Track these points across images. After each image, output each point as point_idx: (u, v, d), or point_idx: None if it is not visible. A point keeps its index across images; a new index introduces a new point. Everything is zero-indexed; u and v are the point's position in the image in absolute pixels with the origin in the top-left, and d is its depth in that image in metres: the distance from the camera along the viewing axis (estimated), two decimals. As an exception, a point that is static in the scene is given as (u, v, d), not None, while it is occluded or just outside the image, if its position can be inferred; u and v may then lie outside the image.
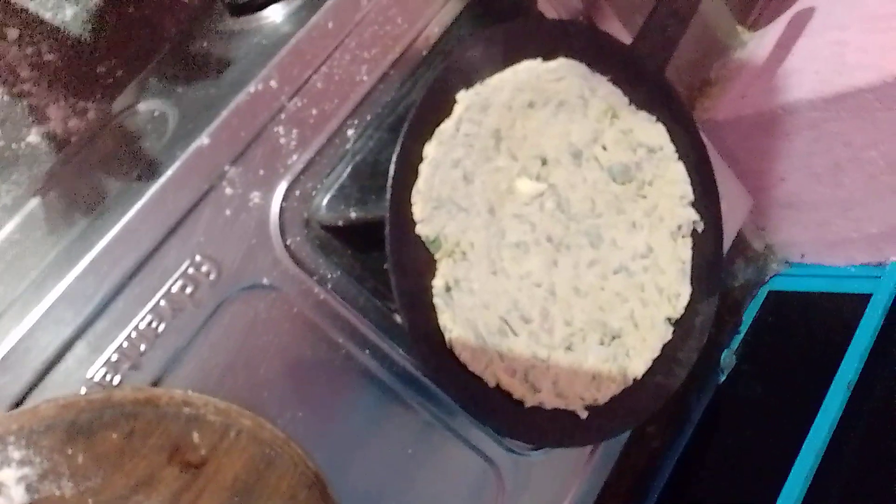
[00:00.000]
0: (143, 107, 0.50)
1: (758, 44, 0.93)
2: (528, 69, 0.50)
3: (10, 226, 0.49)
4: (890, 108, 0.74)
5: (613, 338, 0.54)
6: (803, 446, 0.76)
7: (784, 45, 0.88)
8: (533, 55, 0.51)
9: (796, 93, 0.81)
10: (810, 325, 0.91)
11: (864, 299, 0.85)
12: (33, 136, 0.56)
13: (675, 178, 0.56)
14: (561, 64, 0.52)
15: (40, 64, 0.56)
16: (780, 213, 0.92)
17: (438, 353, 0.47)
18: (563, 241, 0.52)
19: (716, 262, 0.58)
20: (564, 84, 0.52)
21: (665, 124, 0.56)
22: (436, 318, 0.47)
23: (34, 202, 0.49)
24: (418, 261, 0.47)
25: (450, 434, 0.53)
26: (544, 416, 0.51)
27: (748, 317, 0.95)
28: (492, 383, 0.49)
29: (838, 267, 0.92)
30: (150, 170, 0.44)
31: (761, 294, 0.96)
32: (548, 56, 0.51)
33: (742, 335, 0.94)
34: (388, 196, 0.45)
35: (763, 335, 0.93)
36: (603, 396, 0.52)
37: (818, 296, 0.92)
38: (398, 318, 0.51)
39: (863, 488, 0.71)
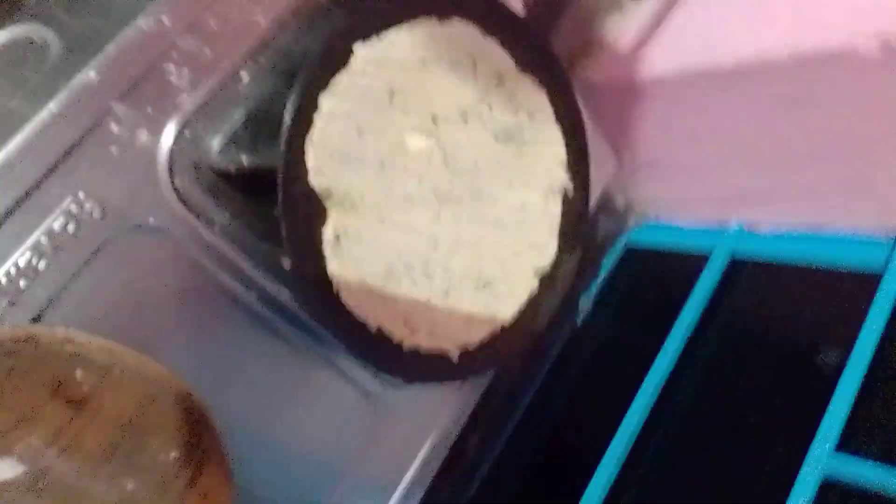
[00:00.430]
0: (19, 30, 0.47)
1: (636, 10, 0.99)
2: (424, 27, 0.52)
3: None
4: (745, 88, 0.82)
5: (486, 285, 0.58)
6: (643, 382, 0.85)
7: (658, 14, 0.94)
8: (428, 13, 0.52)
9: (664, 63, 0.87)
10: (660, 278, 1.00)
11: (705, 257, 0.95)
12: None
13: (551, 141, 0.61)
14: (454, 24, 0.54)
15: None
16: (641, 171, 1.00)
17: (325, 298, 0.49)
18: (447, 195, 0.55)
19: (581, 221, 0.64)
20: (456, 45, 0.54)
21: (546, 88, 0.60)
22: (324, 265, 0.49)
23: None
24: (309, 209, 0.48)
25: (331, 369, 0.56)
26: (420, 357, 0.55)
27: (605, 266, 1.04)
28: (373, 327, 0.52)
29: (687, 227, 1.02)
30: (30, 101, 0.42)
31: (618, 246, 1.05)
32: (442, 15, 0.53)
33: (599, 283, 1.02)
34: (281, 144, 0.45)
35: (618, 285, 1.02)
36: (474, 339, 0.57)
37: (668, 252, 1.02)
38: (286, 264, 0.52)
39: (693, 424, 0.81)
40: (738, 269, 0.93)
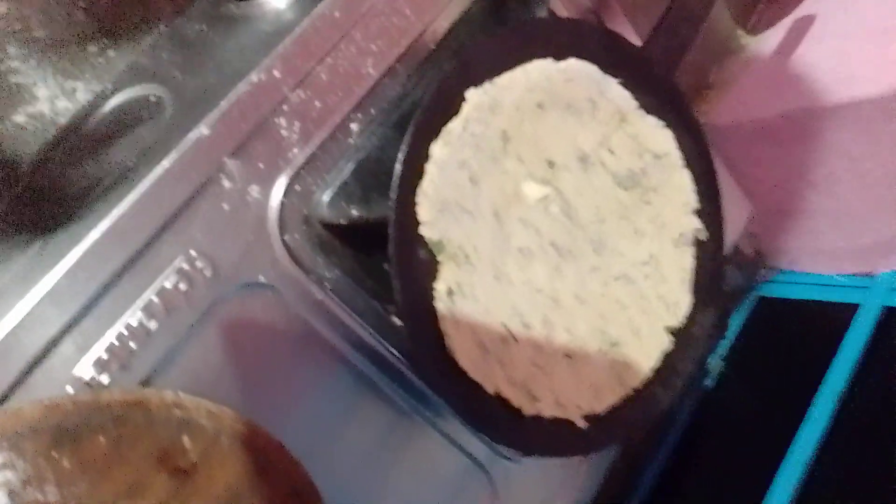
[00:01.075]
0: (138, 91, 0.48)
1: (756, 48, 0.93)
2: (539, 69, 0.49)
3: (-10, 214, 0.47)
4: (889, 120, 0.74)
5: (613, 345, 0.53)
6: (789, 455, 0.76)
7: (784, 52, 0.87)
8: (544, 55, 0.49)
9: (796, 101, 0.81)
10: (798, 332, 0.91)
11: (852, 309, 0.85)
12: (20, 117, 0.53)
13: (680, 186, 0.56)
14: (571, 65, 0.50)
15: (29, 40, 0.53)
16: (773, 219, 0.92)
17: (437, 359, 0.46)
18: (567, 246, 0.51)
19: (716, 272, 0.57)
20: (574, 86, 0.50)
21: (672, 130, 0.55)
22: (436, 323, 0.45)
23: (20, 188, 0.47)
24: (421, 263, 0.45)
25: (443, 438, 0.52)
26: (542, 425, 0.50)
27: (736, 322, 0.95)
28: (491, 391, 0.47)
29: (827, 276, 0.92)
30: (146, 159, 0.42)
31: (750, 300, 0.96)
32: (558, 56, 0.50)
33: (730, 340, 0.94)
34: (392, 196, 0.43)
35: (751, 341, 0.93)
36: (602, 406, 0.51)
37: (806, 304, 0.92)
38: (396, 321, 0.49)
39: (848, 499, 0.71)
40: (892, 320, 0.82)
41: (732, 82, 0.91)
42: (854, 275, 0.89)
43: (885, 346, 0.81)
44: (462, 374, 0.46)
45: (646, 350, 0.54)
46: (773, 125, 0.82)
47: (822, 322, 0.90)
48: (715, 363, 0.91)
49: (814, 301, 0.92)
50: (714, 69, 0.92)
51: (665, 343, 0.55)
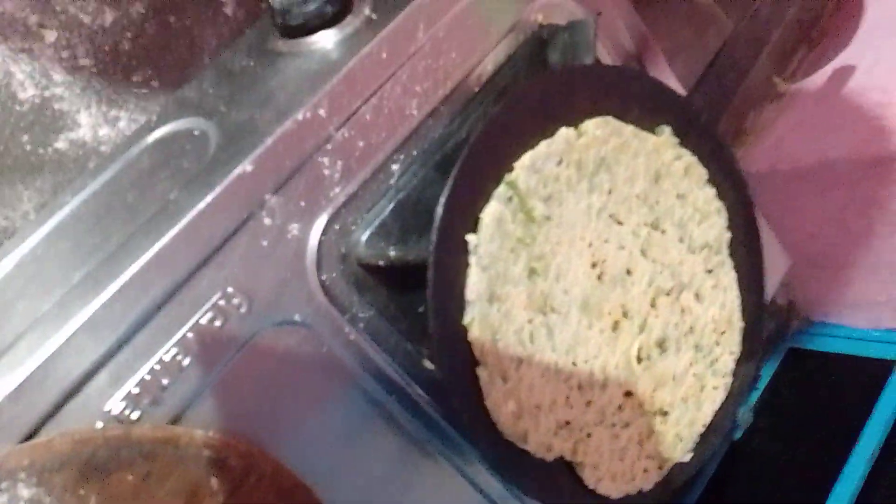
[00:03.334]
0: (182, 124, 0.48)
1: (794, 97, 0.92)
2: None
3: (34, 239, 0.47)
4: (931, 175, 0.73)
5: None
6: (825, 511, 0.74)
7: (822, 101, 0.86)
8: (584, 102, 0.49)
9: (835, 150, 0.80)
10: (831, 386, 0.89)
11: (888, 364, 0.83)
12: (61, 143, 0.54)
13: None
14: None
15: (75, 68, 0.54)
16: (807, 270, 0.90)
17: (472, 406, 0.44)
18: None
19: (756, 325, 0.56)
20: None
21: (714, 183, 0.54)
22: (473, 372, 0.44)
23: (60, 214, 0.47)
24: (458, 309, 0.44)
25: (474, 490, 0.51)
26: (575, 484, 0.48)
27: (767, 373, 0.93)
28: (528, 448, 0.46)
29: (862, 329, 0.90)
30: (188, 192, 0.42)
31: (781, 351, 0.94)
32: (598, 101, 0.49)
33: (760, 391, 0.92)
34: (433, 238, 0.42)
35: (781, 393, 0.91)
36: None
37: (840, 357, 0.90)
38: (428, 364, 0.49)
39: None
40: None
41: (769, 128, 0.90)
42: (890, 329, 0.87)
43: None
44: (496, 425, 0.45)
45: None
46: (811, 172, 0.81)
47: (855, 377, 0.87)
48: (745, 414, 0.89)
49: (847, 355, 0.89)
50: (751, 115, 0.92)
51: (715, 402, 0.53)
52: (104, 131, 0.56)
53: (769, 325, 0.93)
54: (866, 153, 0.76)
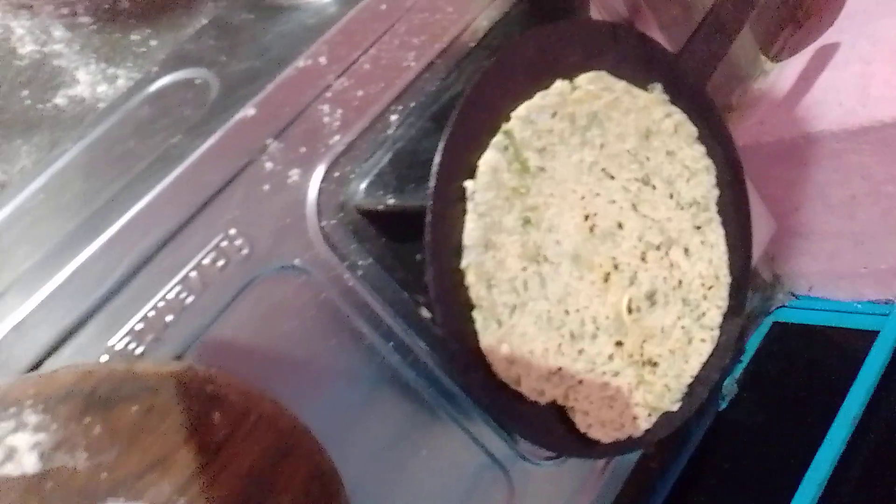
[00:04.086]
0: (183, 74, 0.49)
1: (779, 74, 0.94)
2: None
3: (32, 188, 0.47)
4: (917, 146, 0.75)
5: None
6: (803, 480, 0.75)
7: (807, 77, 0.88)
8: (581, 54, 0.50)
9: (818, 123, 0.81)
10: (814, 358, 0.91)
11: (870, 336, 0.84)
12: (60, 99, 0.54)
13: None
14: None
15: (74, 25, 0.54)
16: (791, 243, 0.92)
17: (467, 348, 0.45)
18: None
19: (743, 282, 0.57)
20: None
21: (703, 142, 0.55)
22: (471, 318, 0.45)
23: (59, 164, 0.47)
24: (454, 256, 0.45)
25: (464, 434, 0.52)
26: (567, 428, 0.49)
27: (751, 346, 0.95)
28: (523, 390, 0.47)
29: (845, 302, 0.92)
30: (190, 138, 0.42)
31: (766, 324, 0.96)
32: (593, 55, 0.50)
33: (745, 364, 0.93)
34: (431, 183, 0.43)
35: (766, 365, 0.93)
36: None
37: (823, 329, 0.92)
38: (424, 313, 0.50)
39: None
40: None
41: (755, 105, 0.91)
42: (873, 301, 0.89)
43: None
44: (493, 370, 0.46)
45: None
46: (795, 146, 0.83)
47: (838, 349, 0.89)
48: (730, 385, 0.91)
49: (830, 327, 0.91)
50: (738, 92, 0.93)
51: (698, 360, 0.54)
52: (102, 88, 0.56)
53: (754, 298, 0.94)
54: (849, 124, 0.77)
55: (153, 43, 0.58)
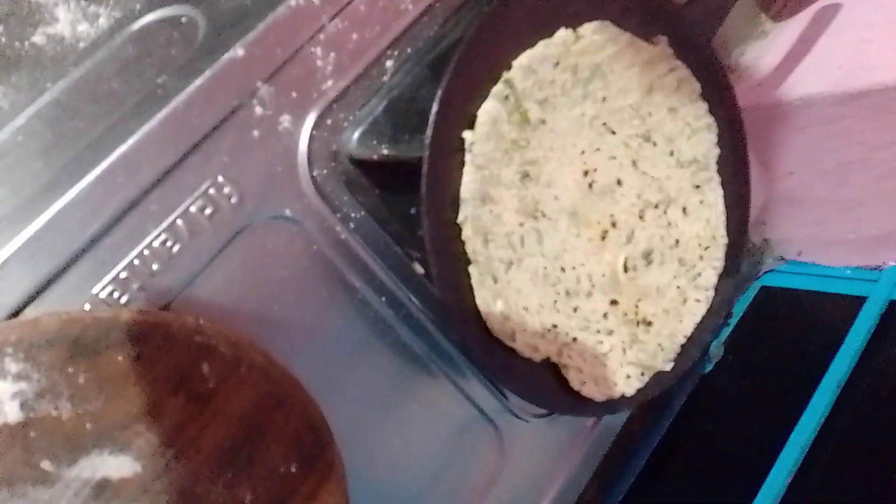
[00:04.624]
0: (168, 12, 0.46)
1: (778, 35, 0.92)
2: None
3: (10, 129, 0.45)
4: (910, 111, 0.74)
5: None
6: (787, 443, 0.76)
7: (806, 39, 0.87)
8: (582, 5, 0.48)
9: (815, 86, 0.80)
10: (801, 322, 0.91)
11: (858, 302, 0.85)
12: (38, 37, 0.51)
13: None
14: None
15: (52, -41, 0.51)
16: (782, 208, 0.91)
17: (462, 303, 0.45)
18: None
19: (739, 243, 0.57)
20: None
21: (706, 98, 0.54)
22: (466, 273, 0.44)
23: (39, 105, 0.45)
24: (451, 209, 0.44)
25: (456, 390, 0.51)
26: (560, 385, 0.49)
27: (739, 309, 0.95)
28: (517, 347, 0.47)
29: (834, 267, 0.92)
30: (177, 78, 0.40)
31: (754, 287, 0.96)
32: (596, 6, 0.49)
33: (731, 327, 0.94)
34: (429, 132, 0.42)
35: (753, 329, 0.93)
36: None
37: (811, 294, 0.92)
38: (418, 268, 0.48)
39: (843, 489, 0.71)
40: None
41: (753, 67, 0.90)
42: (861, 267, 0.89)
43: (888, 339, 0.81)
44: (486, 326, 0.46)
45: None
46: (790, 110, 0.81)
47: (825, 314, 0.90)
48: (716, 348, 0.91)
49: (818, 292, 0.91)
50: (735, 52, 0.92)
51: (692, 319, 0.54)
52: (83, 27, 0.53)
53: (743, 262, 0.94)
54: (846, 87, 0.76)
55: (136, -19, 0.55)
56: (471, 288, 0.44)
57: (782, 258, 0.97)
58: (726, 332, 0.93)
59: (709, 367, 0.91)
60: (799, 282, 0.94)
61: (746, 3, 0.94)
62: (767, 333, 0.93)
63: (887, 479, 0.69)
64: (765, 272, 0.97)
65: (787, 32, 0.91)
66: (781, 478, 0.72)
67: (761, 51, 0.92)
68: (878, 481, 0.69)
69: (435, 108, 0.42)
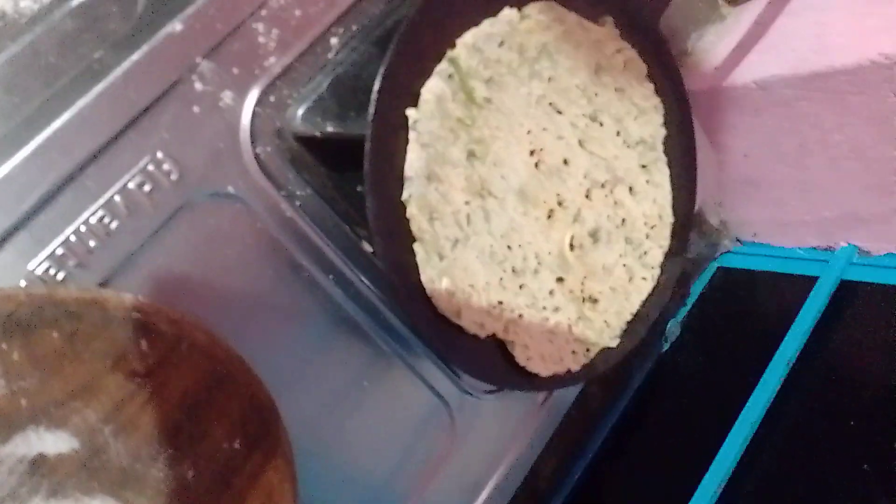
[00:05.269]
0: (108, -15, 0.45)
1: (736, 19, 0.93)
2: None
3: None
4: (862, 92, 0.75)
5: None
6: (738, 418, 0.77)
7: (762, 22, 0.88)
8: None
9: (771, 69, 0.81)
10: (756, 302, 0.93)
11: (811, 282, 0.87)
12: (-23, 11, 0.50)
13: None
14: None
15: (-10, -71, 0.50)
16: (739, 189, 0.93)
17: (410, 288, 0.45)
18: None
19: (686, 222, 0.58)
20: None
21: (653, 79, 0.55)
22: (412, 251, 0.45)
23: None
24: (396, 187, 0.44)
25: (406, 368, 0.52)
26: (506, 361, 0.50)
27: (696, 289, 0.97)
28: (463, 324, 0.47)
29: (788, 248, 0.94)
30: (114, 52, 0.40)
31: (710, 268, 0.98)
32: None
33: (688, 307, 0.95)
34: (371, 109, 0.42)
35: (709, 309, 0.95)
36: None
37: (766, 275, 0.94)
38: (366, 247, 0.49)
39: (793, 464, 0.73)
40: (847, 294, 0.84)
41: (710, 50, 0.91)
42: (814, 248, 0.91)
43: (839, 318, 0.83)
44: (433, 303, 0.46)
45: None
46: (748, 92, 0.82)
47: (779, 294, 0.92)
48: (673, 328, 0.93)
49: (773, 273, 0.93)
50: (693, 37, 0.92)
51: (637, 299, 0.55)
52: (26, 3, 0.52)
53: (700, 243, 0.96)
54: (801, 70, 0.77)
55: (80, -46, 0.54)
56: (416, 266, 0.45)
57: (738, 239, 0.99)
58: (683, 311, 0.95)
59: (665, 347, 0.93)
60: (755, 262, 0.96)
61: (706, -14, 0.94)
62: (724, 313, 0.94)
63: (835, 455, 0.70)
64: (722, 253, 0.99)
65: (744, 16, 0.92)
66: (732, 454, 0.74)
67: (719, 34, 0.92)
68: (827, 457, 0.71)
69: (377, 85, 0.42)
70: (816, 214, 0.89)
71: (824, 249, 0.90)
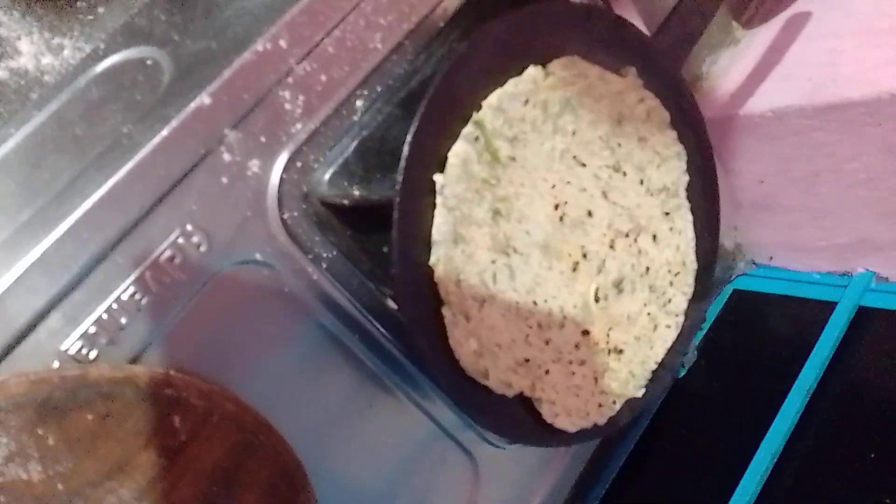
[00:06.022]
0: (134, 53, 0.46)
1: (749, 43, 0.93)
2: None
3: (-27, 173, 0.44)
4: (878, 123, 0.75)
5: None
6: (759, 446, 0.77)
7: (777, 48, 0.87)
8: (551, 40, 0.48)
9: (786, 98, 0.81)
10: (772, 327, 0.92)
11: (828, 307, 0.86)
12: (1, 71, 0.50)
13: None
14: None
15: (12, -9, 0.50)
16: (754, 214, 0.93)
17: (436, 345, 0.45)
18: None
19: (709, 267, 0.57)
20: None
21: (675, 126, 0.54)
22: (439, 311, 0.45)
23: (4, 148, 0.44)
24: (423, 251, 0.44)
25: (433, 425, 0.52)
26: (533, 419, 0.50)
27: (711, 313, 0.96)
28: (490, 382, 0.47)
29: (804, 272, 0.93)
30: (143, 126, 0.40)
31: (726, 292, 0.98)
32: (565, 40, 0.49)
33: (704, 331, 0.95)
34: (399, 178, 0.42)
35: (725, 333, 0.95)
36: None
37: (782, 299, 0.93)
38: (391, 304, 0.49)
39: (814, 492, 0.73)
40: (865, 321, 0.84)
41: (724, 75, 0.90)
42: (830, 273, 0.91)
43: (857, 345, 0.82)
44: (461, 370, 0.46)
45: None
46: (762, 120, 0.82)
47: (796, 318, 0.91)
48: (689, 353, 0.92)
49: (789, 297, 0.93)
50: (708, 61, 0.92)
51: (662, 346, 0.55)
52: (47, 60, 0.52)
53: (716, 267, 0.95)
54: (817, 101, 0.77)
55: (100, 10, 0.54)
56: (444, 328, 0.45)
57: (754, 262, 0.98)
58: (699, 336, 0.95)
59: (682, 372, 0.92)
60: (771, 286, 0.95)
61: (718, 11, 0.94)
62: (740, 337, 0.94)
63: (856, 482, 0.70)
64: (737, 276, 0.98)
65: (758, 40, 0.91)
66: (754, 481, 0.74)
67: (732, 58, 0.92)
68: (848, 484, 0.71)
69: (405, 152, 0.42)
70: (831, 240, 0.89)
71: (841, 275, 0.90)
